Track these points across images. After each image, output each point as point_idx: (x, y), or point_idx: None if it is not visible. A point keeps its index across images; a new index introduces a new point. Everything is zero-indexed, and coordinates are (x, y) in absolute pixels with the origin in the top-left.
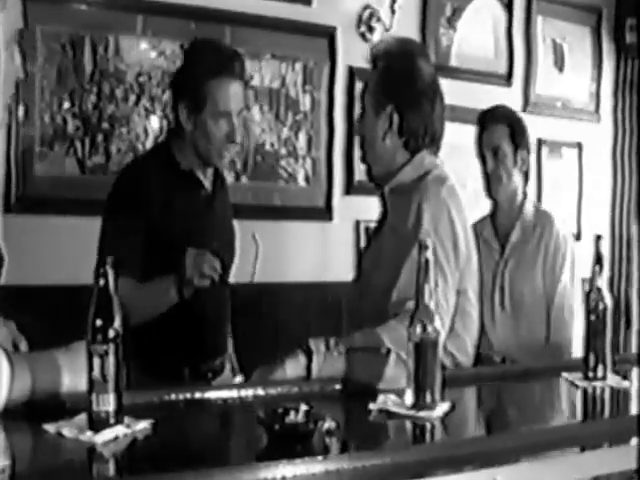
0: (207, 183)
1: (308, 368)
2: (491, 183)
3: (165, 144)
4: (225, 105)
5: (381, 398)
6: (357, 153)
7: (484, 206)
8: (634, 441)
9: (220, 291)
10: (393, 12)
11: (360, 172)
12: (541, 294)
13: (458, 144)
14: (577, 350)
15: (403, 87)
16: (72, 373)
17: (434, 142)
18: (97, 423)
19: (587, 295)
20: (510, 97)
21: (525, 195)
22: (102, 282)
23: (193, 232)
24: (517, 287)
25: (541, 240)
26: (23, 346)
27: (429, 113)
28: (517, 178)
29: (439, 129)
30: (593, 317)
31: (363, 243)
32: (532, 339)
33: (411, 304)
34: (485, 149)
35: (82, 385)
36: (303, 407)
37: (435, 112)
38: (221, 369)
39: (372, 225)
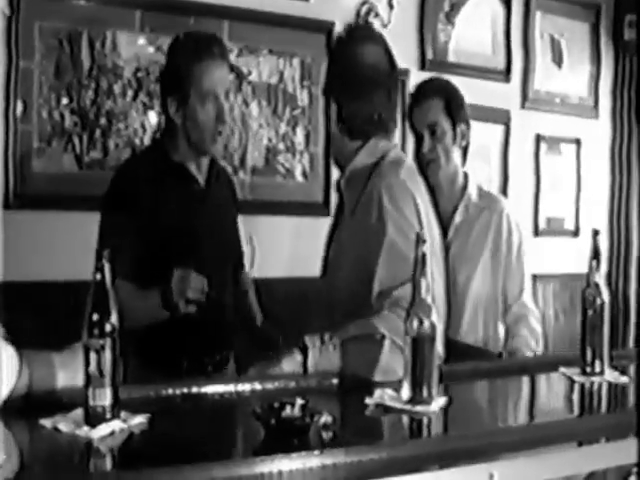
0: (201, 178)
1: (304, 365)
2: (429, 164)
3: (159, 141)
4: (210, 85)
5: (378, 392)
6: None
7: None
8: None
9: (227, 282)
10: (391, 7)
11: None
12: (489, 279)
13: None
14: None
15: (340, 76)
16: (66, 370)
17: (382, 128)
18: (94, 418)
19: (584, 290)
20: (508, 93)
21: (466, 174)
22: (99, 277)
23: (184, 228)
24: (463, 271)
25: (490, 222)
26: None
27: (373, 99)
28: (456, 155)
29: (388, 115)
30: (590, 312)
31: None
32: (479, 322)
33: (398, 292)
34: (420, 127)
35: (76, 382)
36: (299, 401)
37: (380, 97)
38: (225, 363)
39: None
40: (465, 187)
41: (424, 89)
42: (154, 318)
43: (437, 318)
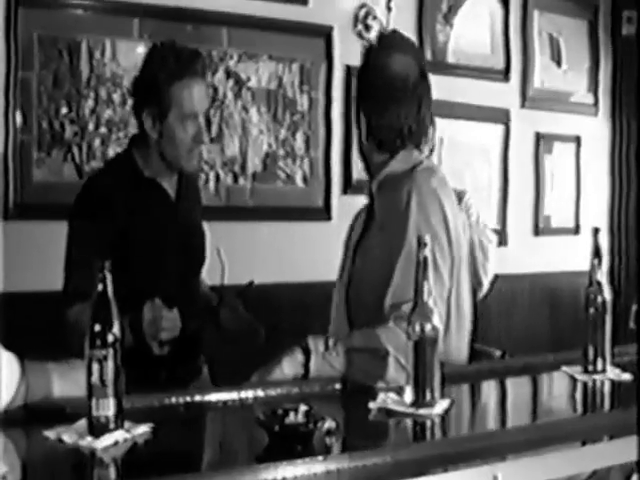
0: (171, 190)
1: (306, 366)
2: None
3: (127, 153)
4: (191, 107)
5: (381, 397)
6: (355, 153)
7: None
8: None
9: (197, 292)
10: (389, 10)
11: (358, 171)
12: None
13: (456, 141)
14: None
15: (369, 87)
16: (63, 381)
17: (415, 138)
18: (97, 428)
19: (586, 288)
20: (508, 92)
21: None
22: (100, 287)
23: (156, 240)
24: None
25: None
26: None
27: (400, 113)
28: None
29: (420, 125)
30: (592, 310)
31: None
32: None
33: (407, 307)
34: None
35: (73, 393)
36: (303, 407)
37: (411, 108)
38: (197, 373)
39: None
40: None
41: None
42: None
43: (464, 325)
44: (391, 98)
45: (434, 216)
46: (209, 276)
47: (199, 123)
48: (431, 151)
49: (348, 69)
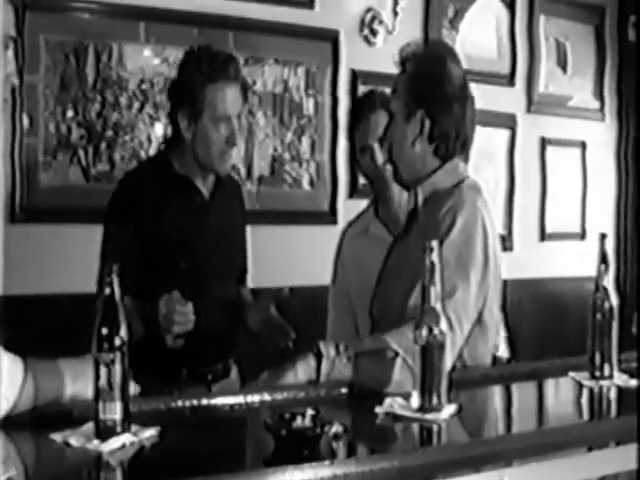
0: (205, 190)
1: (317, 372)
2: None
3: (163, 153)
4: (224, 109)
5: (388, 401)
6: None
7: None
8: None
9: (229, 295)
10: (396, 14)
11: None
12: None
13: None
14: None
15: (434, 92)
16: (75, 381)
17: (465, 148)
18: (104, 431)
19: (593, 294)
20: (513, 97)
21: None
22: (108, 290)
23: (186, 240)
24: None
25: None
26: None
27: (460, 118)
28: None
29: (470, 135)
30: (599, 316)
31: None
32: None
33: None
34: (368, 140)
35: (86, 393)
36: (310, 412)
37: (466, 117)
38: (225, 373)
39: None
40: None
41: (369, 102)
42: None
43: (499, 338)
44: (458, 105)
45: (476, 234)
46: None
47: (232, 125)
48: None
49: (354, 73)
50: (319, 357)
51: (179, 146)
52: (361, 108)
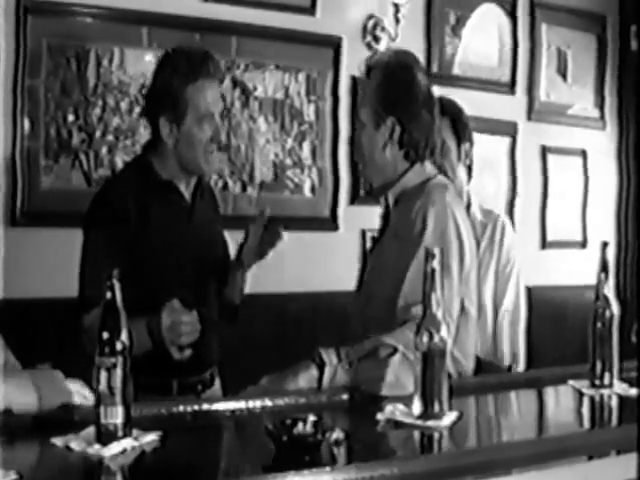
0: (187, 194)
1: (319, 380)
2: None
3: (144, 157)
4: (207, 108)
5: (389, 408)
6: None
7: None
8: None
9: (210, 303)
10: (397, 21)
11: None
12: (493, 293)
13: None
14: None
15: (404, 99)
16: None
17: (433, 153)
18: (105, 436)
19: (594, 303)
20: (514, 105)
21: (469, 193)
22: (109, 295)
23: (171, 245)
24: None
25: (493, 239)
26: (11, 361)
27: (429, 124)
28: (462, 174)
29: (437, 140)
30: (600, 325)
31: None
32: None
33: (416, 309)
34: None
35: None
36: (311, 418)
37: (434, 123)
38: (211, 382)
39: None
40: (469, 205)
41: None
42: (141, 348)
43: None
44: (426, 111)
45: (449, 230)
46: None
47: (215, 123)
48: (469, 168)
49: (354, 79)
50: (321, 365)
51: (159, 150)
52: None
